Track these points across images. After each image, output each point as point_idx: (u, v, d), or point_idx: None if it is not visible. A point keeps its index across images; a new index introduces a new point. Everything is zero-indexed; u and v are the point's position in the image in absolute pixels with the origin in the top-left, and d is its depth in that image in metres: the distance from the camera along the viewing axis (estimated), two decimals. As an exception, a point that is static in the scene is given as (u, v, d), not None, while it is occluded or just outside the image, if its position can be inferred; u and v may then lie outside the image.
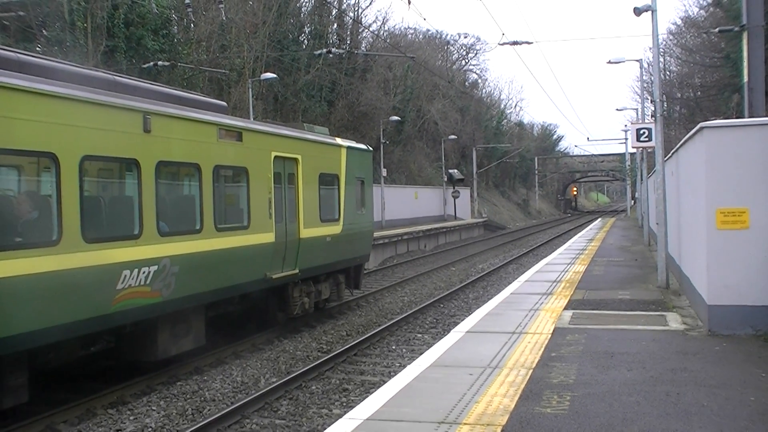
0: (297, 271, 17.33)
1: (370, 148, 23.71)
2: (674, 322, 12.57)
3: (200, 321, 14.41)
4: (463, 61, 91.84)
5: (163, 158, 12.78)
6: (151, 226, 12.33)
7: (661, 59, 48.82)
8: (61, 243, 10.40)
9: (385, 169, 52.10)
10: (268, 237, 16.06)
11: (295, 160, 17.47)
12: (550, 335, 11.43)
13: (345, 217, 20.19)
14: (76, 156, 10.82)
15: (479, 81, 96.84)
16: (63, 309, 10.49)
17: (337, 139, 20.97)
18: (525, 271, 23.04)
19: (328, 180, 19.34)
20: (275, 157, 16.49)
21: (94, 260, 10.99)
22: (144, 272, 12.01)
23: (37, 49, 30.58)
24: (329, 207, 19.34)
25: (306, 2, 53.77)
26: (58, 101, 10.56)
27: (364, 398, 8.69)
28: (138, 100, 12.37)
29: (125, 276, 11.62)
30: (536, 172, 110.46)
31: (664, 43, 53.33)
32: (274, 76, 36.41)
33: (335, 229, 19.60)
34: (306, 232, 17.79)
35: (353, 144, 21.83)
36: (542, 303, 14.86)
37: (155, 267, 12.28)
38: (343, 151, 20.43)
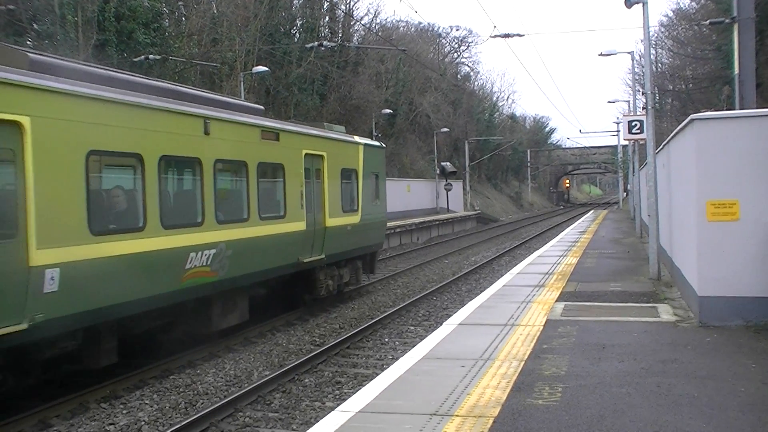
0: (323, 256, 19.16)
1: (383, 145, 25.64)
2: (665, 313, 12.62)
3: (244, 299, 16.26)
4: (455, 54, 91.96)
5: (219, 157, 14.71)
6: (211, 215, 14.33)
7: (653, 51, 48.89)
8: (145, 229, 12.39)
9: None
10: (301, 225, 18.03)
11: (322, 156, 19.42)
12: (542, 327, 11.47)
13: (363, 208, 22.08)
14: (156, 156, 12.72)
15: (471, 74, 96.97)
16: (146, 284, 12.44)
17: (355, 137, 22.92)
18: (517, 264, 23.09)
19: (348, 174, 21.24)
20: (305, 154, 18.42)
21: (170, 244, 12.94)
22: (206, 254, 13.96)
23: (28, 43, 30.48)
24: (349, 199, 21.31)
25: (298, -5, 53.73)
26: (143, 110, 12.49)
27: (357, 391, 8.70)
28: (197, 107, 14.25)
29: (192, 257, 13.55)
30: (528, 164, 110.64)
31: (656, 35, 53.49)
32: (266, 69, 36.34)
33: (354, 219, 21.49)
34: (331, 222, 19.68)
35: (369, 141, 23.83)
36: (534, 295, 14.90)
37: (214, 250, 14.23)
38: (361, 148, 22.38)
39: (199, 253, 13.73)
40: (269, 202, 16.83)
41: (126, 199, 12.55)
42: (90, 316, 11.35)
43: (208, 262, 14.04)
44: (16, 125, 9.91)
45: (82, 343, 11.94)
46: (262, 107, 18.81)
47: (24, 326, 9.88)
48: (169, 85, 15.15)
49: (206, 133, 14.18)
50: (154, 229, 12.53)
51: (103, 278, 11.35)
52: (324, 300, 20.13)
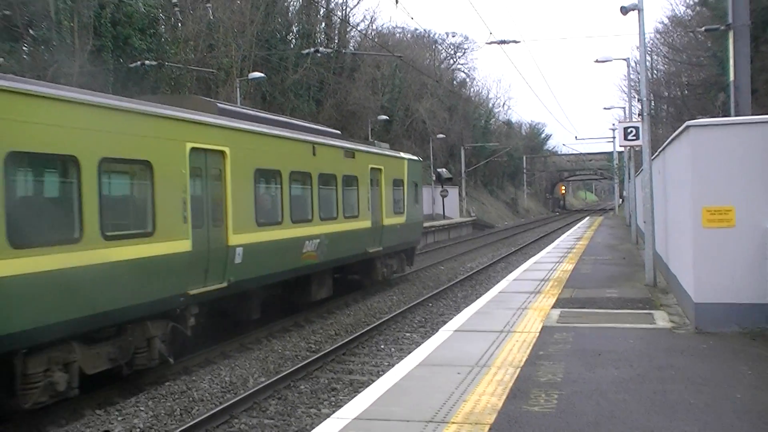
0: (381, 248, 24.19)
1: (421, 159, 31.61)
2: (661, 320, 12.63)
3: (330, 279, 21.15)
4: (451, 60, 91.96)
5: (321, 171, 19.79)
6: (317, 213, 19.40)
7: (648, 58, 48.86)
8: (282, 223, 17.51)
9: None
10: (368, 223, 23.11)
11: (380, 169, 24.45)
12: (538, 334, 11.47)
13: (407, 210, 27.08)
14: (288, 171, 17.83)
15: (467, 80, 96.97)
16: (285, 260, 17.54)
17: (401, 153, 28.61)
18: (513, 270, 23.10)
19: (397, 183, 26.27)
20: (371, 168, 23.59)
21: (295, 234, 18.08)
22: (313, 243, 18.97)
23: (24, 48, 30.47)
24: (398, 203, 26.29)
25: (294, 1, 53.88)
26: (284, 140, 17.89)
27: (353, 397, 8.69)
28: (307, 135, 19.43)
29: (306, 244, 18.60)
30: (524, 170, 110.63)
31: (651, 42, 53.50)
32: (262, 75, 36.40)
33: (401, 219, 26.50)
34: (386, 221, 24.73)
35: (411, 156, 28.93)
36: (530, 301, 14.90)
37: (318, 240, 19.23)
38: (405, 162, 27.48)
39: (309, 241, 18.78)
40: (349, 204, 21.72)
41: (270, 201, 17.31)
42: (257, 281, 16.28)
43: (314, 248, 19.01)
44: (222, 153, 14.87)
45: (243, 300, 16.56)
46: (339, 131, 24.25)
47: (225, 284, 14.71)
48: (287, 119, 20.86)
49: (313, 154, 19.36)
50: (287, 223, 17.72)
51: (263, 255, 16.23)
52: (379, 283, 25.34)
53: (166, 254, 12.83)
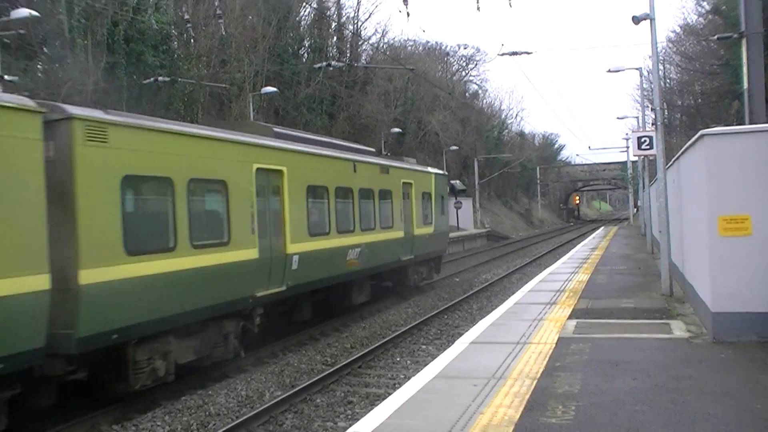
0: (413, 256, 26.03)
1: (446, 173, 35.99)
2: (678, 330, 12.55)
3: (368, 285, 23.19)
4: (463, 72, 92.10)
5: (361, 186, 21.59)
6: (358, 225, 21.19)
7: (661, 67, 48.87)
8: (330, 233, 19.35)
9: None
10: (401, 234, 24.96)
11: (411, 183, 26.33)
12: (554, 345, 11.42)
13: (435, 221, 28.91)
14: (334, 186, 19.78)
15: (479, 91, 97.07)
16: (329, 268, 19.27)
17: (428, 168, 30.82)
18: (528, 281, 23.02)
19: (425, 196, 28.09)
20: (402, 182, 25.41)
21: (341, 243, 19.96)
22: (355, 251, 20.81)
23: (38, 66, 30.68)
24: (426, 214, 28.03)
25: (305, 16, 53.97)
26: (331, 160, 19.94)
27: (369, 411, 8.67)
28: (348, 153, 21.57)
29: (349, 252, 20.40)
30: (538, 181, 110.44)
31: (664, 51, 53.38)
32: (275, 89, 36.50)
33: (430, 229, 28.28)
34: (417, 231, 26.57)
35: (437, 171, 31.27)
36: (546, 313, 14.85)
37: (359, 248, 21.07)
38: (432, 176, 29.41)
39: (352, 249, 20.58)
40: (384, 216, 23.55)
41: (319, 213, 19.05)
42: (309, 285, 18.17)
43: (356, 256, 20.79)
44: (280, 172, 16.85)
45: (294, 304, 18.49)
46: (373, 149, 27.20)
47: (284, 288, 16.64)
48: (329, 140, 23.25)
49: (354, 170, 21.27)
50: (333, 234, 19.55)
51: (314, 262, 18.03)
52: (410, 289, 27.26)
53: (238, 261, 14.89)
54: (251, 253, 15.28)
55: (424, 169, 29.27)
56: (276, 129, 18.82)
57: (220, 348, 14.66)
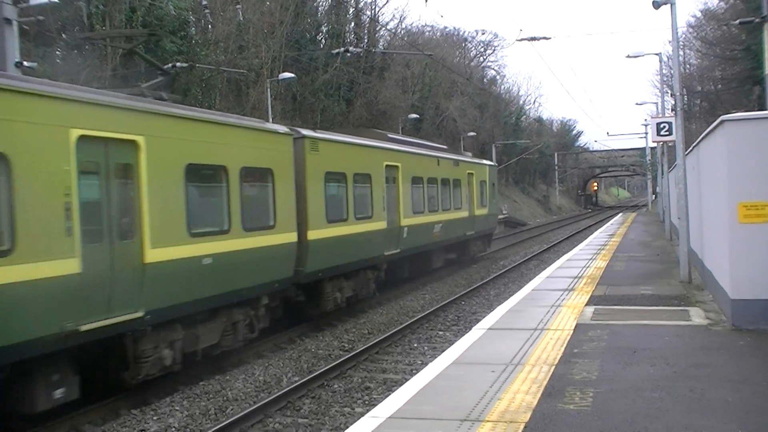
0: (474, 232, 32.31)
1: (497, 164, 45.51)
2: (697, 317, 12.49)
3: (443, 255, 29.09)
4: (481, 58, 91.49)
5: (442, 176, 27.66)
6: (441, 206, 27.48)
7: (681, 52, 48.40)
8: (424, 212, 25.24)
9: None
10: (466, 213, 30.99)
11: (472, 173, 32.55)
12: (572, 331, 11.40)
13: (489, 204, 35.11)
14: (426, 177, 25.76)
15: (497, 77, 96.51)
16: (423, 238, 25.43)
17: (484, 160, 38.41)
18: (546, 267, 22.99)
19: (482, 183, 34.16)
20: (467, 173, 31.74)
21: (430, 220, 25.72)
22: (438, 226, 26.47)
23: (57, 52, 30.78)
24: (483, 198, 34.08)
25: (323, 1, 53.83)
26: (424, 156, 26.44)
27: (387, 396, 8.69)
28: (432, 151, 28.15)
29: (435, 226, 25.91)
30: (556, 167, 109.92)
31: (684, 36, 53.00)
32: (292, 75, 36.43)
33: (485, 211, 34.42)
34: (477, 212, 32.63)
35: (491, 162, 39.75)
36: (564, 299, 14.81)
37: (441, 224, 26.81)
38: (487, 167, 36.06)
39: (437, 225, 26.80)
40: (456, 199, 29.47)
41: (417, 197, 24.79)
42: (412, 250, 24.17)
43: (439, 230, 27.10)
44: (397, 167, 23.02)
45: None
46: (446, 146, 34.07)
47: (399, 250, 22.64)
48: (416, 140, 30.52)
49: (438, 164, 27.42)
50: (426, 212, 25.68)
51: (416, 233, 24.24)
52: (470, 260, 33.31)
53: (377, 230, 21.04)
54: (382, 225, 21.54)
55: (481, 162, 36.31)
56: (390, 135, 25.61)
57: (364, 289, 20.89)
